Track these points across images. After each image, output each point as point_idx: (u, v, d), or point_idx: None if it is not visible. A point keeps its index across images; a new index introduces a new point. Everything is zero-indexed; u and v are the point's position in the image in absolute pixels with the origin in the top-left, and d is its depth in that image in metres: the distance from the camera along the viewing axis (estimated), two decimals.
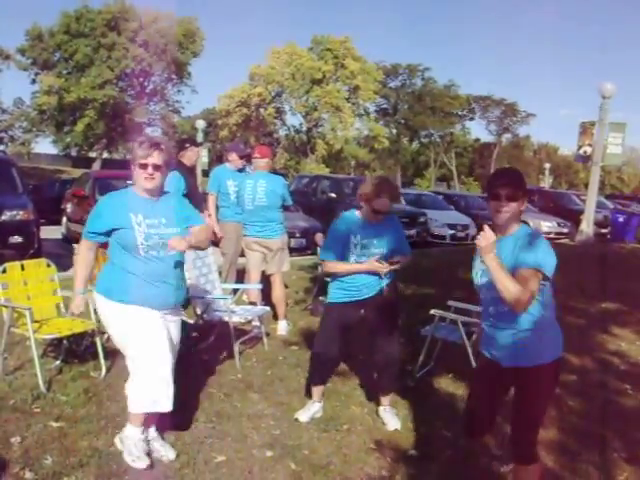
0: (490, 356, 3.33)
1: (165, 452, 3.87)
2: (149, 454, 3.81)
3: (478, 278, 3.30)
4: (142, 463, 3.70)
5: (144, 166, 3.65)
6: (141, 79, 48.13)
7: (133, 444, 3.77)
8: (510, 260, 3.06)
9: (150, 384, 3.68)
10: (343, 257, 4.44)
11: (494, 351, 3.29)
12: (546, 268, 3.01)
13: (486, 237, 2.99)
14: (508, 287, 2.94)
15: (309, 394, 4.82)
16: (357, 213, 4.51)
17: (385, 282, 4.52)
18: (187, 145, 7.02)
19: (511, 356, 3.20)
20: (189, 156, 6.94)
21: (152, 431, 3.92)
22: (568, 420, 4.83)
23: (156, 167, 3.67)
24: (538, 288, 3.00)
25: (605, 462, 4.19)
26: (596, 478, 4.00)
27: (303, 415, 4.63)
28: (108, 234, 3.74)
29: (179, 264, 3.87)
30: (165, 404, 3.71)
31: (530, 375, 3.16)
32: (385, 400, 4.75)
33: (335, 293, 4.59)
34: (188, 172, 6.92)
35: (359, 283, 4.47)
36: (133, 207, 3.70)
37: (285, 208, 7.07)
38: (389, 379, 4.72)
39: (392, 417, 4.65)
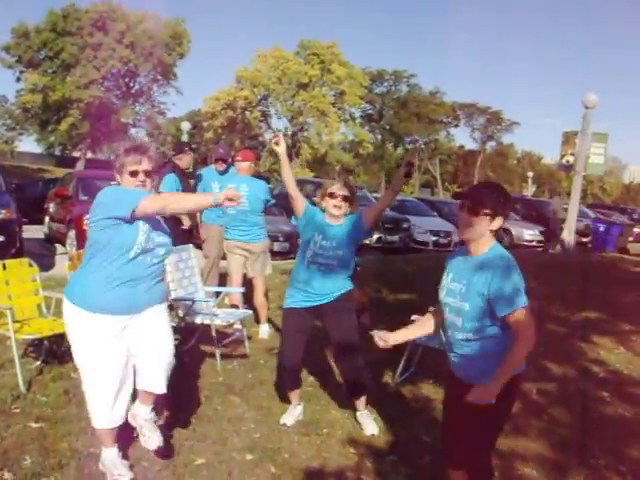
0: (455, 374, 3.24)
1: (148, 439, 3.68)
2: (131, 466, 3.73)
3: (442, 295, 3.22)
4: (125, 478, 3.62)
5: (134, 174, 3.51)
6: (127, 80, 47.99)
7: (112, 464, 3.65)
8: (478, 285, 2.97)
9: (103, 401, 3.56)
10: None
11: (457, 369, 3.21)
12: (525, 300, 2.93)
13: (478, 396, 2.92)
14: (517, 360, 2.93)
15: (288, 400, 4.84)
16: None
17: (342, 291, 4.57)
18: (186, 149, 7.03)
19: (471, 374, 3.10)
20: (186, 160, 6.95)
21: (146, 410, 3.73)
22: (548, 428, 4.88)
23: (147, 173, 3.55)
24: (530, 317, 2.93)
25: (587, 471, 4.23)
26: None
27: (288, 419, 4.65)
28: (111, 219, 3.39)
29: (158, 268, 3.65)
30: (109, 421, 3.61)
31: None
32: (360, 405, 4.76)
33: (293, 297, 4.63)
34: (183, 175, 6.92)
35: (317, 289, 4.52)
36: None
37: (267, 211, 7.07)
38: (357, 386, 4.73)
39: (369, 422, 4.68)
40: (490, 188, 3.12)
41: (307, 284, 4.53)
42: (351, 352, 4.62)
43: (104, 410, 3.58)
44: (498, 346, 3.00)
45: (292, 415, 4.69)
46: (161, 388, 3.66)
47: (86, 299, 3.46)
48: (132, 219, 3.37)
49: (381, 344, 3.44)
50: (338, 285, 4.55)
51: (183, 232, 7.08)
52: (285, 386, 4.85)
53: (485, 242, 3.05)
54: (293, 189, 4.59)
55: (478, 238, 3.04)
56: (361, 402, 4.76)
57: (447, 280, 3.20)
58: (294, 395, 4.77)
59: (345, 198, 4.47)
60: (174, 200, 3.57)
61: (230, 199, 3.43)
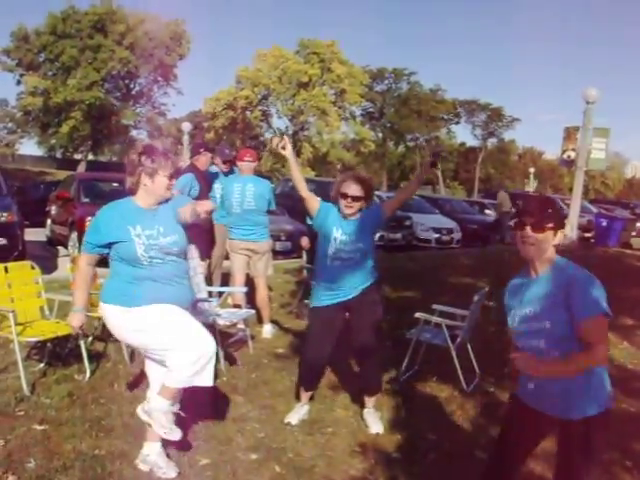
0: (528, 401, 3.00)
1: (169, 431, 3.66)
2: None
3: (515, 323, 2.98)
4: (175, 435, 3.63)
5: (172, 177, 3.67)
6: (127, 81, 48.02)
7: (164, 415, 3.63)
8: (557, 298, 2.77)
9: (194, 362, 3.58)
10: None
11: (536, 402, 2.95)
12: (604, 305, 2.72)
13: (523, 362, 2.80)
14: (579, 366, 2.75)
15: (297, 397, 4.84)
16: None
17: (368, 283, 4.55)
18: (201, 150, 7.03)
19: (556, 405, 2.88)
20: (203, 161, 6.95)
21: (157, 447, 3.81)
22: None
23: (171, 177, 3.68)
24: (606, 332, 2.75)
25: None
26: None
27: (293, 418, 4.65)
28: (108, 247, 3.63)
29: (183, 266, 3.81)
30: (207, 379, 3.69)
31: (575, 427, 2.83)
32: (370, 402, 4.77)
33: (320, 296, 4.61)
34: (201, 177, 6.94)
35: (344, 285, 4.50)
36: (131, 219, 3.60)
37: (269, 212, 7.08)
38: (372, 377, 4.75)
39: (375, 420, 4.67)
40: (547, 202, 2.94)
41: (332, 281, 4.52)
42: (370, 349, 4.64)
43: (195, 368, 3.59)
44: (586, 371, 2.79)
45: (297, 414, 4.68)
46: (210, 381, 3.72)
47: (135, 299, 3.58)
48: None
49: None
50: (363, 278, 4.54)
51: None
52: (300, 383, 4.83)
53: (549, 259, 2.87)
54: (304, 190, 4.58)
55: (543, 255, 2.85)
56: (371, 400, 4.77)
57: (516, 311, 2.97)
58: (305, 395, 4.77)
59: (356, 199, 4.42)
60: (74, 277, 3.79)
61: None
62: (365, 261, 4.55)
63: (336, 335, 4.65)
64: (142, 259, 3.56)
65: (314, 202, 4.59)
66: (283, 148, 4.46)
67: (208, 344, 3.64)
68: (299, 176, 4.60)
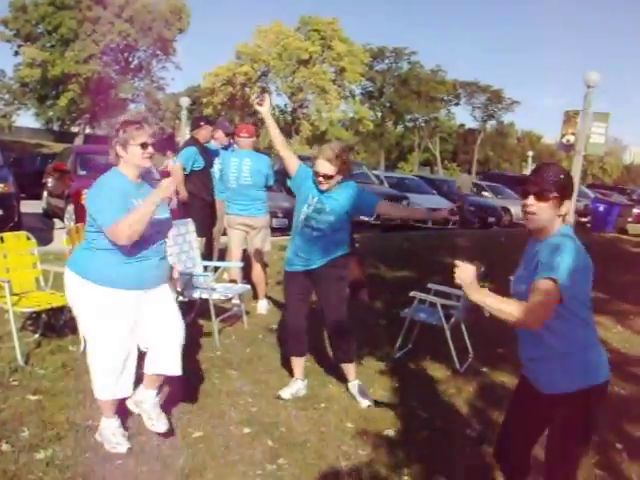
0: (528, 378, 3.01)
1: (156, 422, 3.77)
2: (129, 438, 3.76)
3: (512, 284, 2.95)
4: (122, 448, 3.66)
5: (145, 146, 3.56)
6: (126, 54, 47.63)
7: (111, 433, 3.70)
8: (533, 264, 2.72)
9: (108, 372, 3.62)
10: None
11: (530, 375, 2.98)
12: (562, 279, 2.55)
13: (462, 272, 2.63)
14: (504, 310, 2.57)
15: (291, 372, 4.85)
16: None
17: (334, 255, 4.53)
18: (202, 123, 6.99)
19: (544, 382, 2.88)
20: (203, 134, 6.92)
21: (152, 395, 3.82)
22: None
23: (152, 145, 3.62)
24: (553, 300, 2.57)
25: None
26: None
27: (285, 392, 4.66)
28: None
29: (164, 246, 3.78)
30: (114, 393, 3.68)
31: (558, 403, 2.82)
32: (350, 375, 4.75)
33: (291, 260, 4.65)
34: (203, 149, 6.90)
35: (310, 254, 4.53)
36: (131, 193, 3.55)
37: (267, 188, 7.05)
38: (343, 349, 4.71)
39: (363, 394, 4.67)
40: (554, 170, 2.76)
41: (300, 248, 4.55)
42: (338, 324, 4.61)
43: (109, 381, 3.63)
44: (570, 344, 2.76)
45: (290, 389, 4.69)
46: (177, 370, 3.77)
47: (97, 274, 3.52)
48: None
49: None
50: (329, 250, 4.51)
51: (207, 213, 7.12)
52: (288, 351, 4.86)
53: (552, 227, 2.74)
54: (283, 149, 4.55)
55: (547, 226, 2.74)
56: (350, 373, 4.75)
57: (518, 271, 2.94)
58: (297, 365, 4.76)
59: (327, 177, 4.39)
60: (134, 220, 3.40)
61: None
62: (333, 235, 4.50)
63: (307, 300, 4.70)
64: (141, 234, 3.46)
65: (293, 162, 4.58)
66: (259, 104, 4.45)
67: (119, 355, 3.62)
68: (277, 134, 4.54)
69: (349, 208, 4.51)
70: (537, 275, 2.61)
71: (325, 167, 4.37)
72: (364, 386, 4.78)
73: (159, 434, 3.81)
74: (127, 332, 3.63)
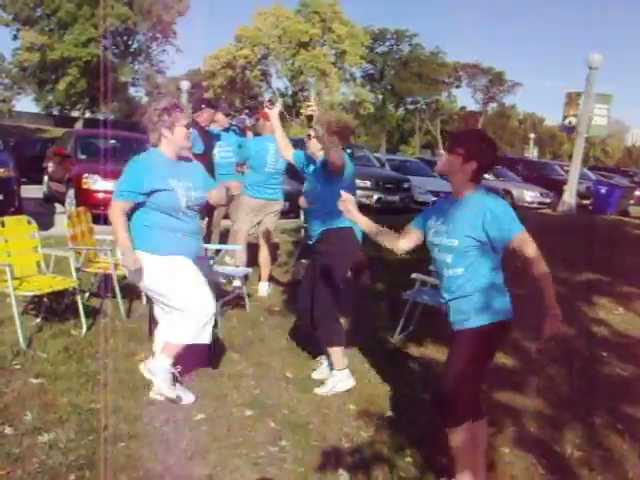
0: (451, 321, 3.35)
1: (184, 395, 4.10)
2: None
3: (430, 237, 3.34)
4: (173, 392, 4.01)
5: (188, 126, 4.00)
6: (125, 38, 47.40)
7: (164, 372, 3.98)
8: (467, 221, 3.12)
9: (199, 319, 3.96)
10: None
11: (452, 314, 3.30)
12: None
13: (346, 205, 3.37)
14: (548, 272, 3.12)
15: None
16: None
17: (323, 228, 4.51)
18: (203, 106, 6.94)
19: (454, 320, 3.27)
20: (204, 117, 6.88)
21: (170, 363, 4.07)
22: (546, 386, 4.90)
23: (188, 126, 4.03)
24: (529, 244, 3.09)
25: (584, 428, 4.26)
26: (579, 444, 4.07)
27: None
28: (148, 195, 3.85)
29: (198, 221, 4.26)
30: (206, 337, 4.07)
31: (458, 338, 3.24)
32: (331, 356, 4.62)
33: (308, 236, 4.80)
34: (203, 132, 6.88)
35: (309, 228, 4.68)
36: (168, 170, 3.93)
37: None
38: (320, 331, 4.56)
39: (331, 376, 4.58)
40: (472, 133, 3.34)
41: (308, 222, 4.72)
42: (316, 300, 4.52)
43: (197, 327, 3.98)
44: (487, 281, 3.16)
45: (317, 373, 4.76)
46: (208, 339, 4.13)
47: (167, 248, 3.93)
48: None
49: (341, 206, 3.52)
50: (319, 224, 4.51)
51: None
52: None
53: (461, 184, 3.20)
54: (287, 152, 4.89)
55: (451, 177, 3.22)
56: (330, 354, 4.61)
57: (433, 222, 3.32)
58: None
59: (309, 136, 4.53)
60: (115, 226, 3.93)
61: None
62: (321, 208, 4.47)
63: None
64: (181, 209, 3.91)
65: (295, 161, 4.86)
66: (269, 107, 4.72)
67: (211, 305, 4.00)
68: (282, 135, 4.84)
69: (323, 177, 4.43)
70: (511, 231, 3.07)
71: (313, 147, 4.52)
72: (337, 377, 4.57)
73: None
74: (201, 280, 4.05)
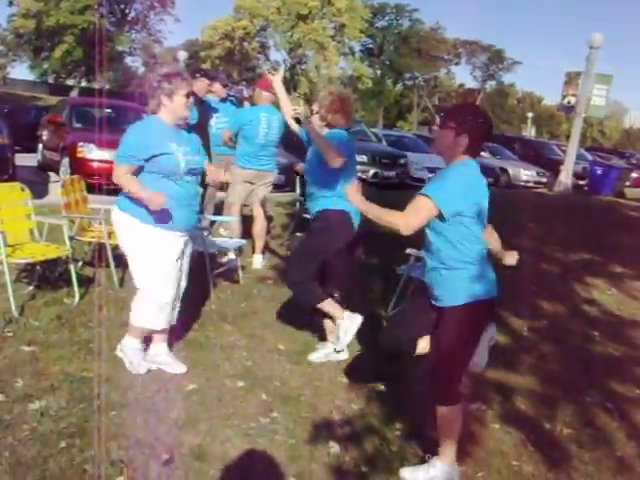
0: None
1: (176, 366, 4.16)
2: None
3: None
4: (142, 369, 4.05)
5: (188, 95, 3.90)
6: (122, 6, 46.85)
7: (132, 352, 4.08)
8: None
9: (154, 305, 3.94)
10: None
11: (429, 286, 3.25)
12: (438, 200, 2.95)
13: (352, 193, 3.21)
14: (388, 219, 3.03)
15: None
16: None
17: (318, 208, 4.47)
18: (197, 75, 6.81)
19: (434, 295, 3.20)
20: (199, 86, 6.78)
21: (164, 347, 4.22)
22: (538, 365, 4.93)
23: (188, 95, 3.92)
24: (423, 212, 2.99)
25: (575, 407, 4.29)
26: (569, 422, 4.09)
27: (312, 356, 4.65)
28: (148, 160, 3.79)
29: (197, 189, 4.11)
30: (162, 324, 4.04)
31: (442, 316, 3.15)
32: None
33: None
34: (199, 103, 6.82)
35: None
36: (168, 135, 3.87)
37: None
38: (297, 295, 4.55)
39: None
40: (464, 107, 3.30)
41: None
42: (292, 262, 4.61)
43: (159, 314, 3.99)
44: (459, 258, 3.06)
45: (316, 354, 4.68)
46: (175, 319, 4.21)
47: (149, 216, 3.81)
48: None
49: None
50: (316, 204, 4.46)
51: None
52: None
53: (452, 158, 3.12)
54: (292, 120, 4.71)
55: (445, 152, 3.14)
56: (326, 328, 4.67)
57: None
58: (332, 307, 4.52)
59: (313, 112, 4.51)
60: (125, 184, 3.82)
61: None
62: (317, 187, 4.43)
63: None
64: (180, 173, 3.84)
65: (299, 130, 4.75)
66: (272, 74, 4.61)
67: (168, 292, 3.99)
68: (287, 103, 4.69)
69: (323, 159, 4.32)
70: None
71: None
72: (323, 353, 4.64)
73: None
74: (177, 268, 4.03)
